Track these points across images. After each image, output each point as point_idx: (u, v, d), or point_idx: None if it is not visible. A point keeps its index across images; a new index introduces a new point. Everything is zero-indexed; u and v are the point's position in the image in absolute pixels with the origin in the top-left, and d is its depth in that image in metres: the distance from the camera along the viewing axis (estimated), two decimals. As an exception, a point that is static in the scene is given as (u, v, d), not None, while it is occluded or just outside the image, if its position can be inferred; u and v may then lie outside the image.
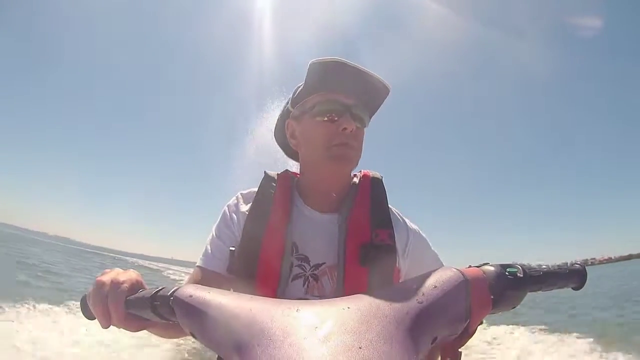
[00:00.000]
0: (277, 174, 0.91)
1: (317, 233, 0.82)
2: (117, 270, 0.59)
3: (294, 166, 0.98)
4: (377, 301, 0.43)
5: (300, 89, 0.86)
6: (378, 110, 0.88)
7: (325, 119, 0.80)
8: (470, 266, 0.51)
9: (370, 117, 0.87)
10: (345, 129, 0.79)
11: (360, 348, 0.35)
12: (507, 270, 0.49)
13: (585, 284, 0.55)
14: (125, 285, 0.55)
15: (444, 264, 0.87)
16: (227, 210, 0.88)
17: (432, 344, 0.44)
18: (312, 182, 0.87)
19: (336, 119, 0.80)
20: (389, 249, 0.80)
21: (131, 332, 0.59)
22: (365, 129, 0.85)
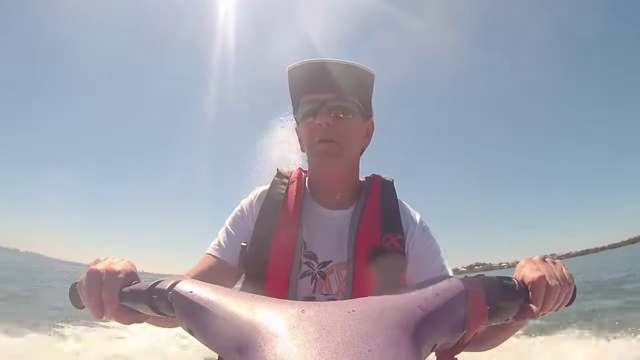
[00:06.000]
0: (290, 171, 0.93)
1: (325, 230, 0.84)
2: (111, 258, 0.56)
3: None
4: (381, 305, 0.43)
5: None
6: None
7: (307, 119, 0.84)
8: (466, 276, 0.52)
9: (365, 105, 0.86)
10: (319, 125, 0.80)
11: (369, 351, 0.35)
12: (503, 282, 0.51)
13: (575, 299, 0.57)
14: (121, 275, 0.53)
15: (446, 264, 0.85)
16: (243, 205, 0.90)
17: (431, 351, 0.45)
18: (316, 180, 0.90)
19: (311, 118, 0.83)
20: (398, 255, 0.80)
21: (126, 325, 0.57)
22: (354, 118, 0.83)
